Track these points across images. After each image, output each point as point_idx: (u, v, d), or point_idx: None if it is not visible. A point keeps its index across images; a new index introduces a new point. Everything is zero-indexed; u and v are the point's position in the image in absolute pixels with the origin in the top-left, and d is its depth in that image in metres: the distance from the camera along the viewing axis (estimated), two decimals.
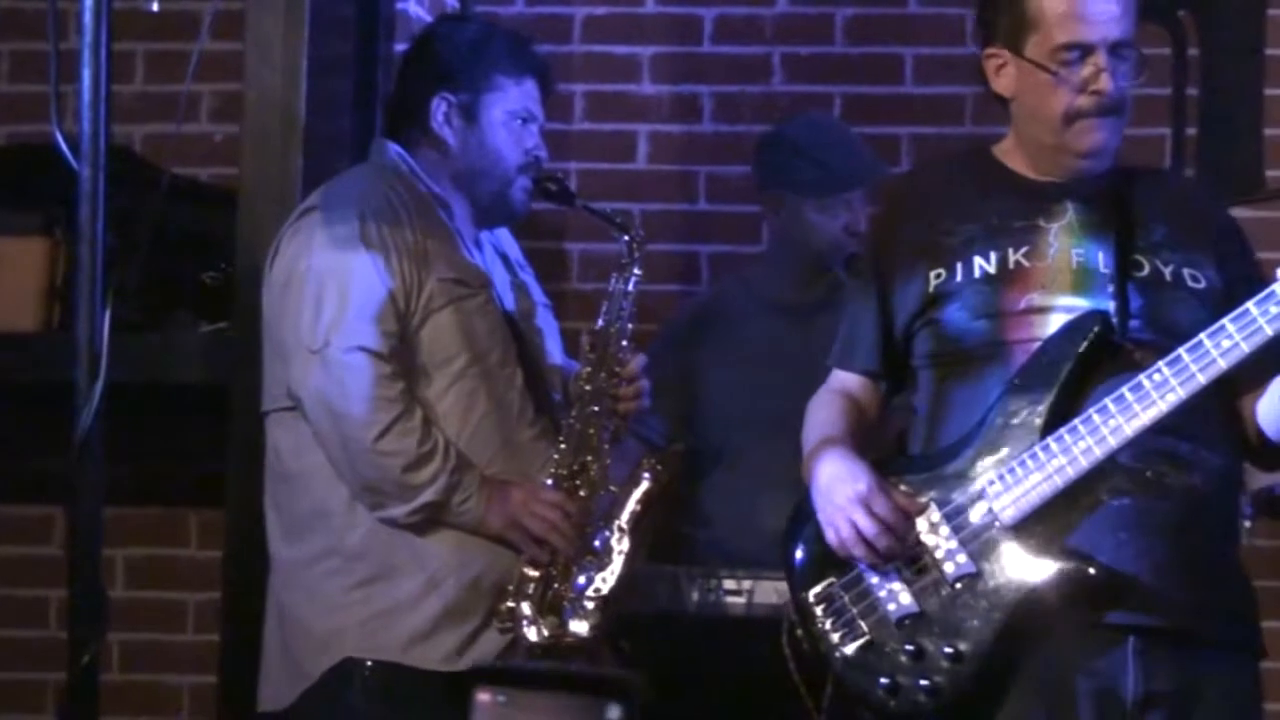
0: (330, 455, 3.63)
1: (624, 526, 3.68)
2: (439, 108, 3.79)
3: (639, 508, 3.69)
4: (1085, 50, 3.28)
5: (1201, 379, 3.13)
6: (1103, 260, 3.28)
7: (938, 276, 3.33)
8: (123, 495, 4.50)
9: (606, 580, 3.65)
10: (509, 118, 3.80)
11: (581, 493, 3.69)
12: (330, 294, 3.61)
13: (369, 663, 3.63)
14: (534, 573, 3.65)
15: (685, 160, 5.29)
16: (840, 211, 4.63)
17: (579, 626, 3.63)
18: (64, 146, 2.82)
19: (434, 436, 3.61)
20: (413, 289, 3.64)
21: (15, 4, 5.07)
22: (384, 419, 3.58)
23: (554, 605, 3.63)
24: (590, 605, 3.64)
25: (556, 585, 3.65)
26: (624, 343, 3.78)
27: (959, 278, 3.32)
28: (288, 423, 3.69)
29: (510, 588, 3.64)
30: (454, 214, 3.79)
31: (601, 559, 3.66)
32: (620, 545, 3.67)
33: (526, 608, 3.62)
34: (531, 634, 3.61)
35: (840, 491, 3.25)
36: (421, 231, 3.68)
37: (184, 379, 4.39)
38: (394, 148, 3.83)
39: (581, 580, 3.65)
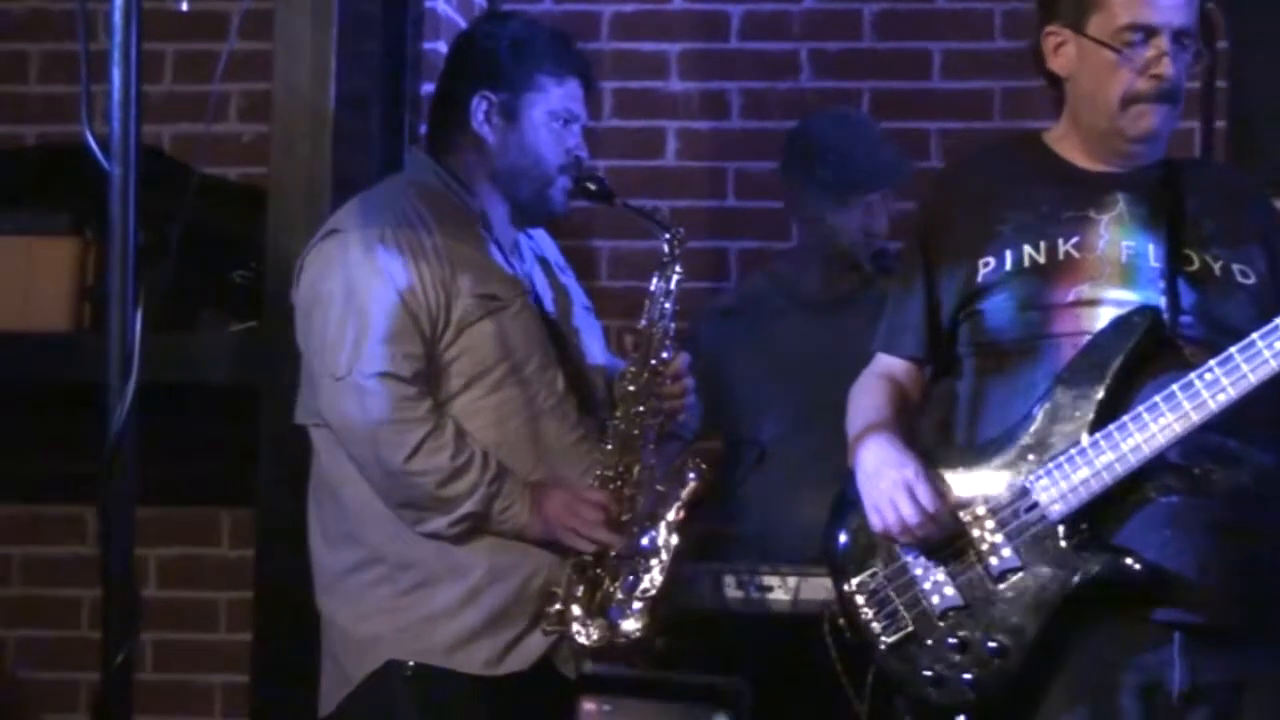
0: (366, 477, 3.62)
1: (671, 524, 3.64)
2: (480, 106, 3.76)
3: (685, 506, 3.65)
4: (1149, 32, 3.27)
5: (1253, 379, 3.11)
6: (1153, 253, 3.26)
7: (985, 265, 3.32)
8: (155, 495, 4.44)
9: (655, 579, 3.61)
10: (550, 118, 3.77)
11: (627, 492, 3.66)
12: (351, 319, 3.59)
13: (410, 665, 3.59)
14: (582, 575, 3.61)
15: (714, 157, 5.28)
16: (859, 212, 4.60)
17: (630, 626, 3.60)
18: (94, 146, 2.80)
19: (468, 448, 3.59)
20: (439, 308, 3.61)
21: (45, 5, 5.09)
22: (412, 440, 3.56)
23: (603, 606, 3.60)
24: (640, 605, 3.60)
25: (605, 586, 3.61)
26: (667, 341, 3.74)
27: (1008, 267, 3.30)
28: (328, 435, 3.68)
29: (558, 590, 3.60)
30: (490, 222, 3.76)
31: (649, 558, 3.62)
32: (667, 544, 3.63)
33: (576, 609, 3.59)
34: (582, 637, 3.58)
35: (886, 477, 3.25)
36: (449, 248, 3.65)
37: (215, 378, 4.38)
38: (427, 160, 3.80)
39: (630, 580, 3.61)
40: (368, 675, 3.61)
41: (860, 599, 3.30)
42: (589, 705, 4.13)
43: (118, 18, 2.77)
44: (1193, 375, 3.13)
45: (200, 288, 4.48)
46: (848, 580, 3.32)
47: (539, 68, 3.77)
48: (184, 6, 2.92)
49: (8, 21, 5.13)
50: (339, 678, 3.66)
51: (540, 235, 3.95)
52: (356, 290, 3.59)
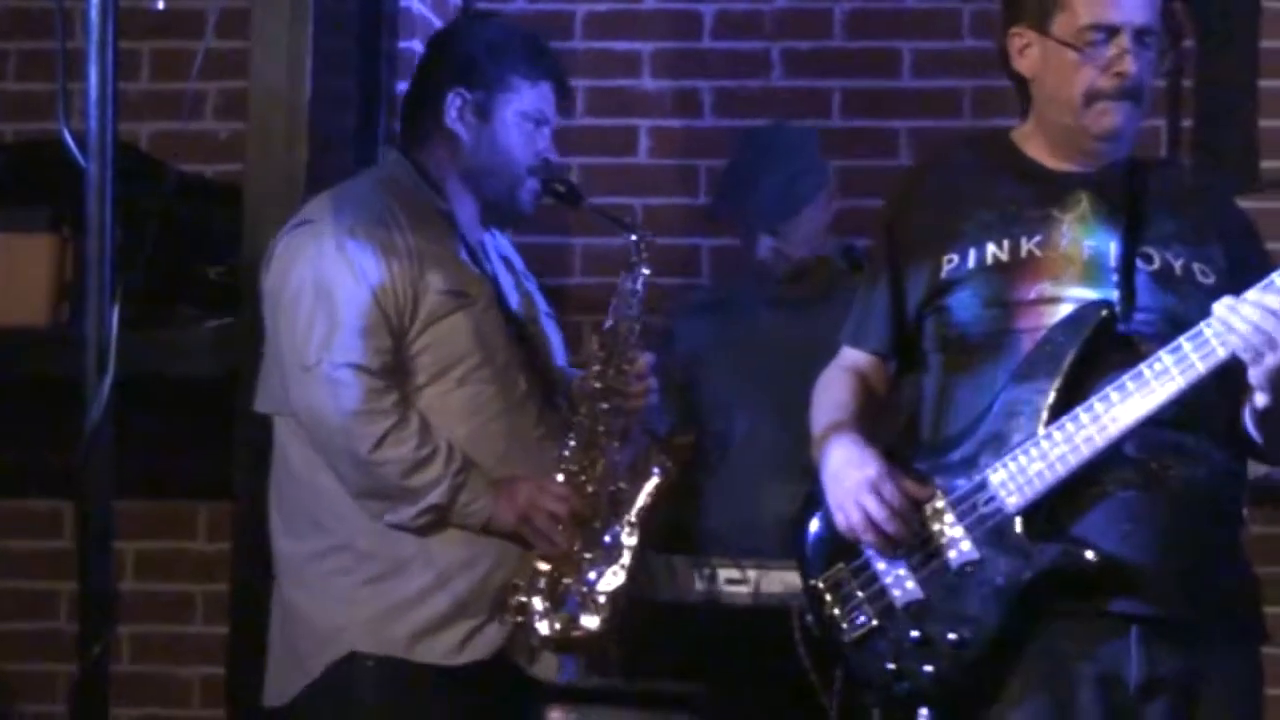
0: (331, 466, 3.64)
1: (633, 521, 3.67)
2: (454, 103, 3.78)
3: (648, 502, 3.68)
4: (1111, 31, 3.27)
5: (1201, 368, 3.11)
6: (1113, 252, 3.27)
7: (950, 261, 3.33)
8: (131, 489, 4.49)
9: (617, 575, 3.64)
10: (522, 119, 3.80)
11: (590, 488, 3.68)
12: (321, 311, 3.61)
13: (372, 657, 3.62)
14: (545, 567, 3.64)
15: (686, 155, 5.29)
16: (798, 225, 4.66)
17: (589, 621, 3.63)
18: (72, 144, 2.81)
19: (433, 442, 3.61)
20: (406, 303, 3.64)
21: (22, 4, 5.08)
22: (376, 431, 3.58)
23: (564, 600, 3.62)
24: (601, 600, 3.63)
25: (567, 580, 3.64)
26: (632, 340, 3.76)
27: (971, 264, 3.31)
28: (292, 424, 3.69)
29: (521, 582, 3.63)
30: (458, 221, 3.79)
31: (611, 554, 3.65)
32: (630, 540, 3.66)
33: (538, 602, 3.62)
34: (543, 628, 3.61)
35: (850, 476, 3.26)
36: (418, 244, 3.68)
37: (191, 372, 4.38)
38: (400, 158, 3.82)
39: (592, 575, 3.64)
40: (329, 665, 3.62)
41: (827, 595, 3.31)
42: (555, 714, 4.17)
43: (94, 16, 2.78)
44: (1142, 366, 3.14)
45: (177, 283, 4.49)
46: (814, 576, 3.33)
47: (514, 69, 3.80)
48: (160, 5, 2.93)
49: None
50: (296, 667, 3.67)
51: (504, 241, 3.97)
52: (327, 283, 3.61)
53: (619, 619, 3.66)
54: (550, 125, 3.84)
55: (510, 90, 3.79)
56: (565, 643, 3.63)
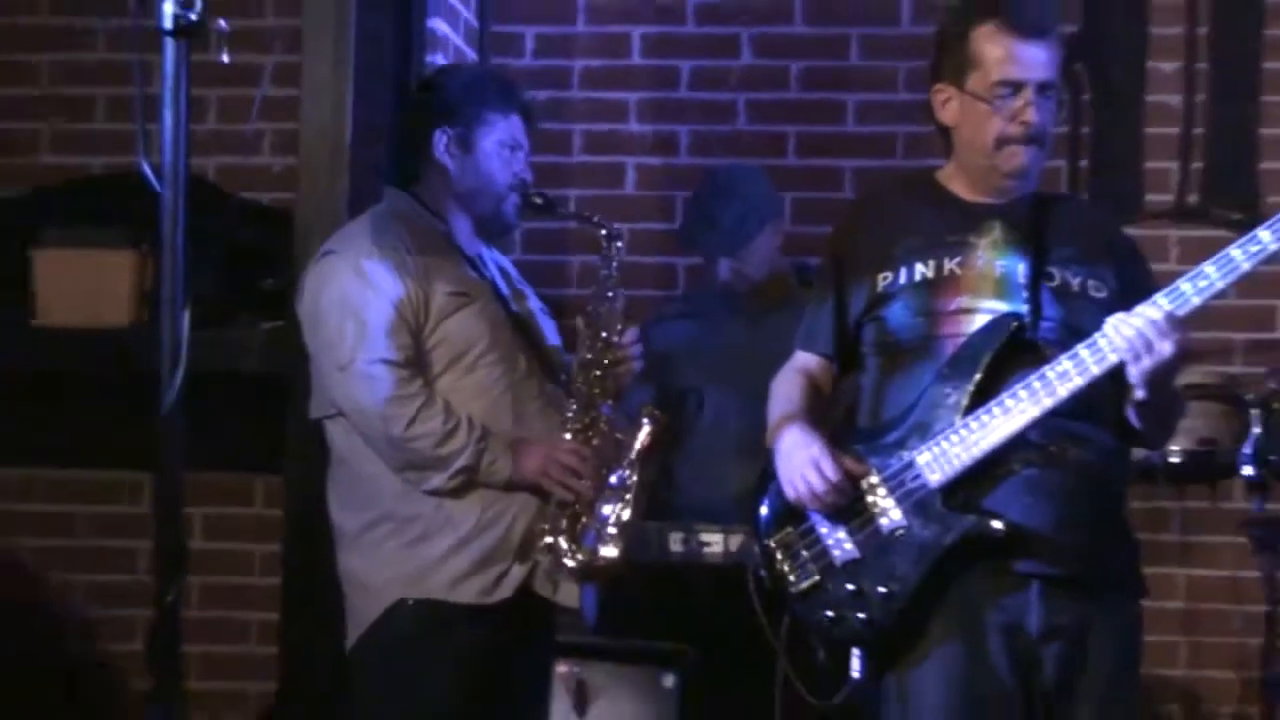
0: (375, 449, 3.62)
1: (633, 461, 3.65)
2: (440, 140, 3.76)
3: (644, 447, 3.66)
4: (1017, 86, 3.26)
5: (1095, 370, 3.12)
6: (1022, 271, 3.26)
7: (885, 279, 3.32)
8: (200, 463, 4.47)
9: (625, 509, 3.62)
10: (500, 146, 3.77)
11: (595, 441, 3.66)
12: (349, 321, 3.60)
13: (414, 600, 3.60)
14: (564, 511, 3.62)
15: (666, 187, 5.27)
16: (755, 248, 4.66)
17: (608, 551, 3.59)
18: (150, 175, 2.79)
19: (456, 415, 3.60)
20: (419, 307, 3.62)
21: (109, 56, 5.06)
22: (408, 412, 3.57)
23: (584, 536, 3.60)
24: (614, 532, 3.60)
25: (584, 519, 3.61)
26: (616, 315, 3.73)
27: (902, 281, 3.30)
28: (340, 422, 3.69)
29: (545, 526, 3.61)
30: (456, 238, 3.77)
31: (618, 492, 3.62)
32: (632, 480, 3.64)
33: (563, 541, 3.59)
34: (569, 562, 3.58)
35: (798, 456, 3.25)
36: (424, 260, 3.66)
37: (249, 367, 4.39)
38: (400, 194, 3.80)
39: (605, 511, 3.61)
40: (381, 613, 3.61)
41: (778, 553, 3.30)
42: (563, 667, 4.17)
43: (169, 68, 2.77)
44: (1047, 368, 3.15)
45: (238, 292, 4.50)
46: (767, 538, 3.32)
47: (487, 106, 3.76)
48: (225, 59, 2.91)
49: (80, 70, 5.12)
50: (357, 618, 3.66)
51: (504, 258, 3.95)
52: (352, 297, 3.60)
53: (631, 546, 3.65)
54: (524, 150, 3.81)
55: (486, 124, 3.76)
56: (589, 572, 3.60)
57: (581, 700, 4.25)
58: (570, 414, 3.69)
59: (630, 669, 4.27)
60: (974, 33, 3.28)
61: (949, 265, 3.28)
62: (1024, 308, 3.23)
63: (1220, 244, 3.16)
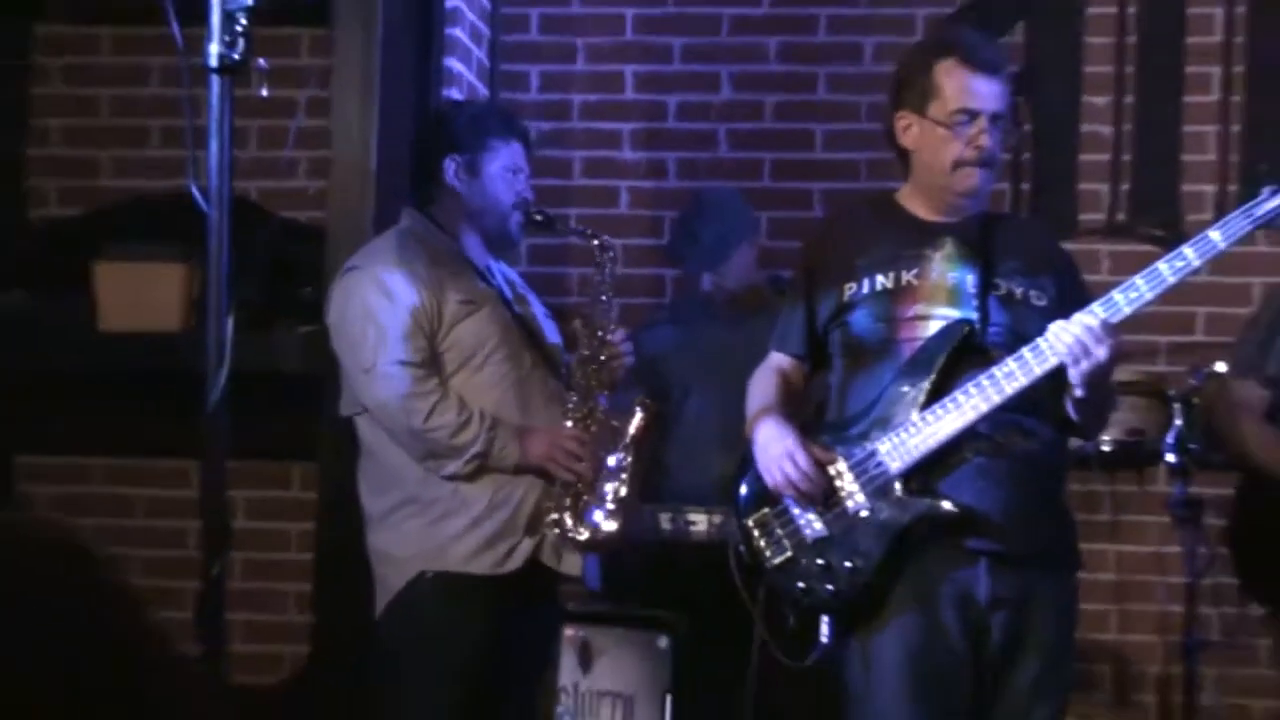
0: (398, 441, 3.62)
1: (629, 444, 3.64)
2: (449, 167, 3.75)
3: (638, 432, 3.66)
4: (973, 115, 3.25)
5: (1037, 370, 3.13)
6: (971, 282, 3.25)
7: (850, 289, 3.31)
8: (243, 452, 4.46)
9: (623, 488, 3.62)
10: (504, 170, 3.76)
11: (593, 428, 3.65)
12: (370, 328, 3.59)
13: (435, 574, 3.59)
14: (567, 491, 3.61)
15: (656, 208, 5.27)
16: (733, 263, 4.65)
17: (609, 525, 3.59)
18: (198, 197, 2.80)
19: (469, 408, 3.59)
20: (433, 314, 3.61)
21: (162, 91, 5.06)
22: (425, 407, 3.56)
23: (586, 512, 3.59)
24: (613, 507, 3.60)
25: (586, 497, 3.61)
26: (610, 318, 3.73)
27: (865, 290, 3.29)
28: (367, 419, 3.69)
29: (551, 504, 3.60)
30: (466, 253, 3.75)
31: (616, 473, 3.62)
32: (628, 461, 3.64)
33: (567, 518, 3.59)
34: (575, 536, 3.58)
35: (774, 446, 3.25)
36: (436, 273, 3.64)
37: (289, 367, 4.37)
38: (416, 213, 3.79)
39: (605, 490, 3.61)
40: (405, 584, 3.61)
41: (755, 531, 3.30)
42: (569, 631, 4.18)
43: (215, 101, 2.78)
44: (994, 368, 3.15)
45: (277, 300, 4.49)
46: (746, 518, 3.32)
47: (491, 134, 3.75)
48: (264, 93, 2.92)
49: (136, 104, 5.12)
50: (384, 589, 3.65)
51: (511, 271, 3.93)
52: (372, 307, 3.60)
53: (630, 521, 3.64)
54: (525, 172, 3.80)
55: (490, 151, 3.75)
56: (592, 544, 3.59)
57: (586, 659, 4.29)
58: (571, 405, 3.68)
59: (629, 632, 4.30)
60: (936, 66, 3.28)
61: (907, 277, 3.28)
62: (974, 315, 3.23)
63: (1146, 258, 3.17)
